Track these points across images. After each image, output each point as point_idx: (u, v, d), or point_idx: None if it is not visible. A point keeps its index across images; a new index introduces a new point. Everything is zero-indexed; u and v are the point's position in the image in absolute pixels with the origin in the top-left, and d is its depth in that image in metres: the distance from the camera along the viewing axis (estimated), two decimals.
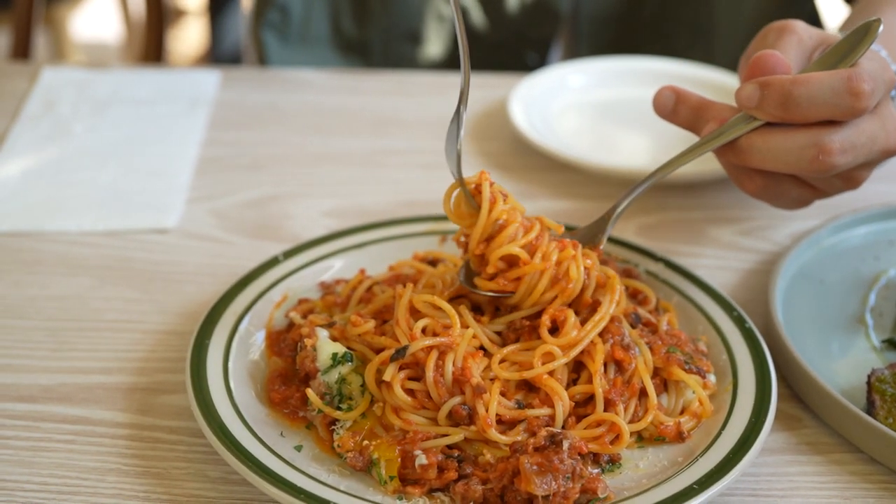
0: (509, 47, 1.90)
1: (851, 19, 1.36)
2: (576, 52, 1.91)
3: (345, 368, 1.00)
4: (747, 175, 1.11)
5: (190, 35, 4.17)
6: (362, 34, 1.89)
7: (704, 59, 1.77)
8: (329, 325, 1.05)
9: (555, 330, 1.03)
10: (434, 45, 1.89)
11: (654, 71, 1.69)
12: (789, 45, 1.10)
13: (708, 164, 1.50)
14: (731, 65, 1.71)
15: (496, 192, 1.02)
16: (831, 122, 1.04)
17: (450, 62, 1.90)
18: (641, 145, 1.60)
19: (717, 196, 1.43)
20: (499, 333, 1.04)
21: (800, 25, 1.12)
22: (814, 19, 1.88)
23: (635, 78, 1.69)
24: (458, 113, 1.01)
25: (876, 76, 1.03)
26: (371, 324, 1.03)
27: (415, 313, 1.02)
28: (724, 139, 1.07)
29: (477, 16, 1.87)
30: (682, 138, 1.61)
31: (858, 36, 1.06)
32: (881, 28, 1.05)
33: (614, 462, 0.97)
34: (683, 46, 1.86)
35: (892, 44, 1.24)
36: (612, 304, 1.04)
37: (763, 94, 1.04)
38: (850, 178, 1.12)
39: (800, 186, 1.12)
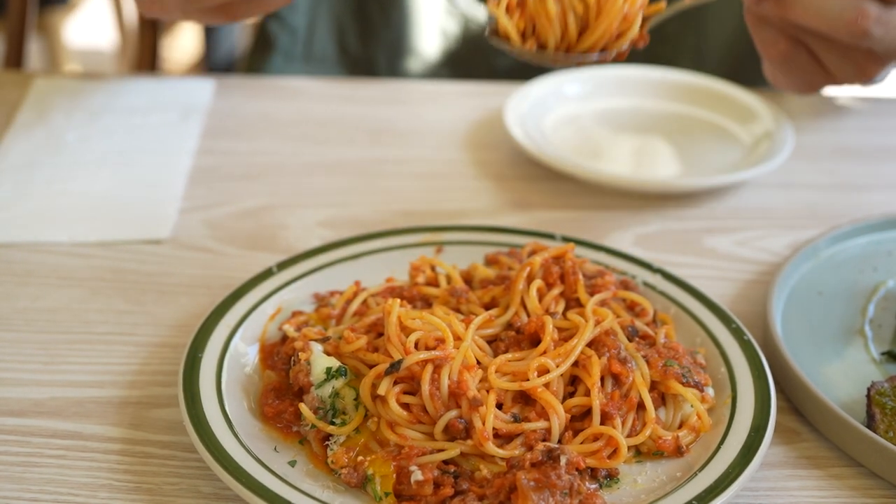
0: (510, 56, 1.89)
1: None
2: None
3: (339, 382, 0.99)
4: (773, 38, 1.15)
5: (184, 42, 4.16)
6: (366, 52, 1.88)
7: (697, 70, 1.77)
8: (323, 340, 1.04)
9: (537, 342, 1.02)
10: (438, 61, 1.88)
11: (649, 80, 1.69)
12: None
13: (705, 174, 1.49)
14: (722, 76, 1.71)
15: None
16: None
17: (451, 73, 1.89)
18: (637, 155, 1.59)
19: (714, 206, 1.42)
20: (490, 343, 1.04)
21: None
22: None
23: (631, 87, 1.68)
24: None
25: None
26: (363, 340, 1.01)
27: (405, 328, 1.01)
28: None
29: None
30: (676, 147, 1.61)
31: None
32: None
33: (612, 477, 0.96)
34: (672, 59, 1.85)
35: None
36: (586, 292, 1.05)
37: None
38: (863, 69, 1.15)
39: (815, 63, 1.15)
